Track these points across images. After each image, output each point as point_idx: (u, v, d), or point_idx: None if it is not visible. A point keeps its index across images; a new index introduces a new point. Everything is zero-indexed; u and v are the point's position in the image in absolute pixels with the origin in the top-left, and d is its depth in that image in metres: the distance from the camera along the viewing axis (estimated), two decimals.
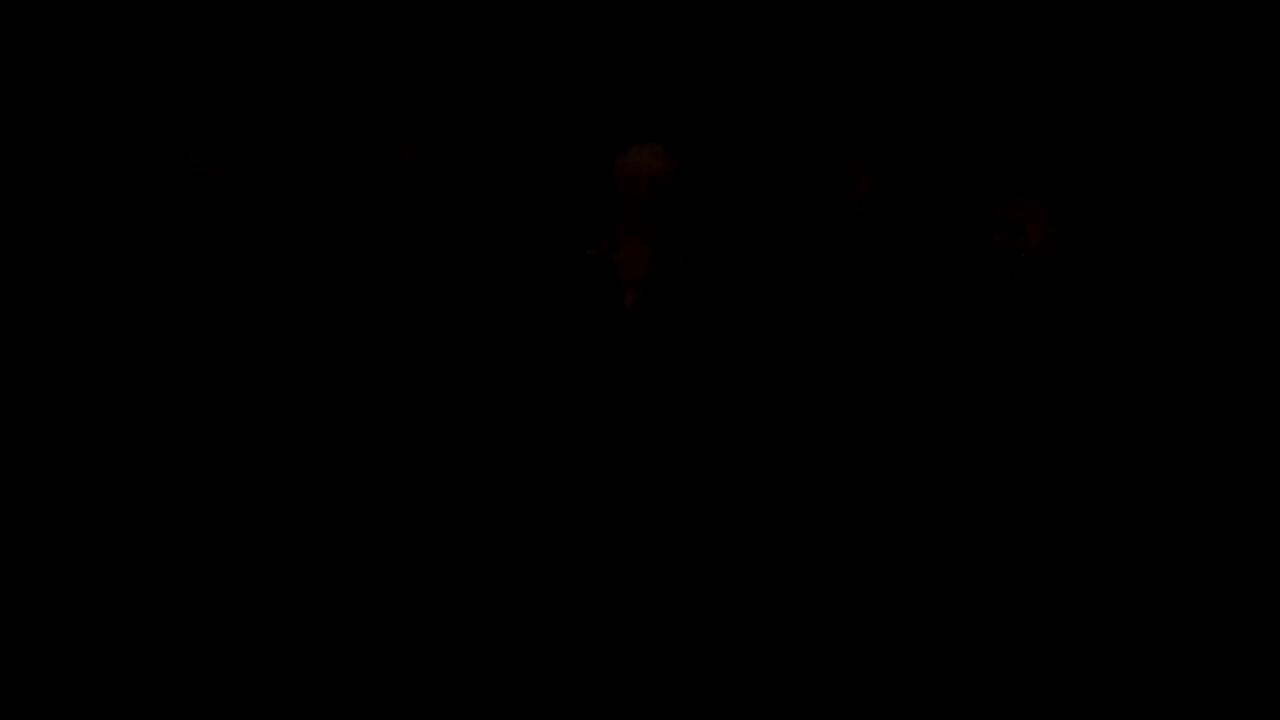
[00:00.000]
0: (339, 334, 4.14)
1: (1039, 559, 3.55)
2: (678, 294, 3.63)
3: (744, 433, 3.71)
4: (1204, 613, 3.79)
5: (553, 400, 3.63)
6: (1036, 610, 3.56)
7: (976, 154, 4.43)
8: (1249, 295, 4.19)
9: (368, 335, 4.13)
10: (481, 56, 4.77)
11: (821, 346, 3.97)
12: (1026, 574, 3.56)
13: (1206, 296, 4.21)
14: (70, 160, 4.67)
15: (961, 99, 4.50)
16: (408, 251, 4.20)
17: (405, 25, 4.76)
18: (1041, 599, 3.55)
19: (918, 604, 3.72)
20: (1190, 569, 3.81)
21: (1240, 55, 4.29)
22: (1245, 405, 4.09)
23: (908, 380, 3.86)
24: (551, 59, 4.75)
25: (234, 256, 4.17)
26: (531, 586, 3.65)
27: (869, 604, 3.80)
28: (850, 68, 4.62)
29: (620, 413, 3.58)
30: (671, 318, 3.61)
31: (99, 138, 4.70)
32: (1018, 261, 3.65)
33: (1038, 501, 3.56)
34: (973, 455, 3.65)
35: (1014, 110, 4.45)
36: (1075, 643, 3.55)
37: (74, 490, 4.06)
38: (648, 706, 3.57)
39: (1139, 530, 3.59)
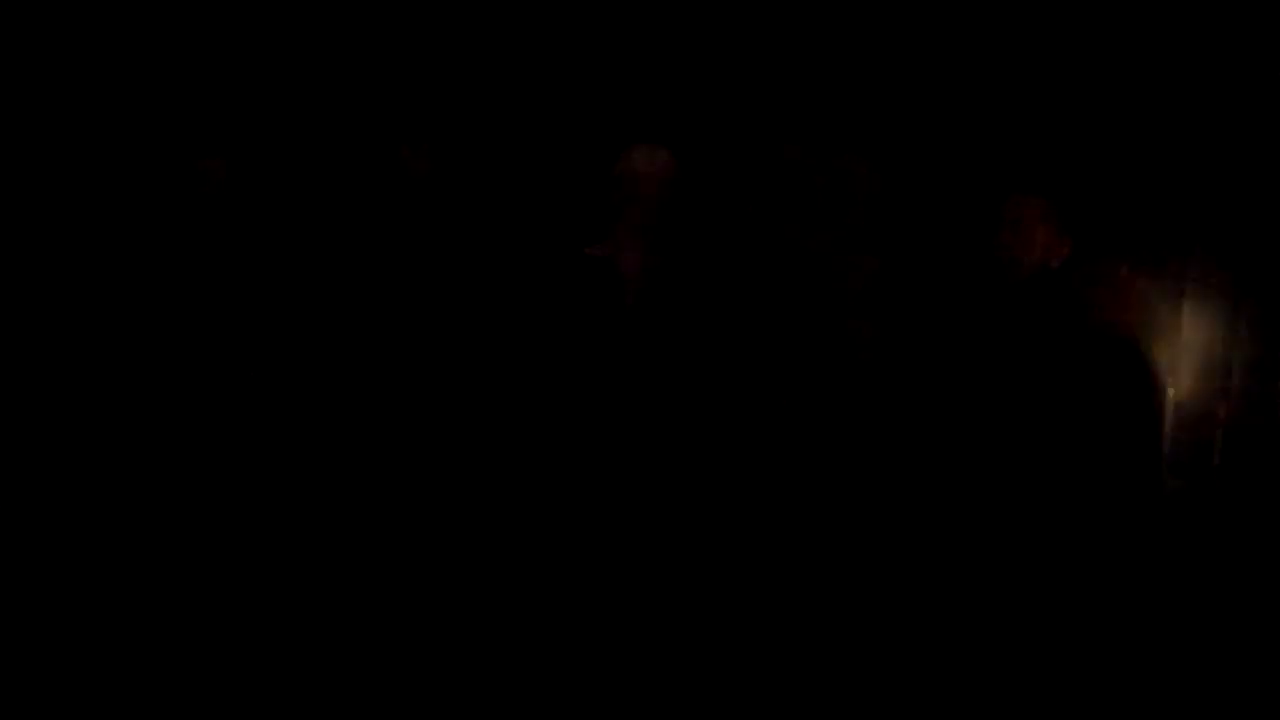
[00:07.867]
0: (341, 333, 4.14)
1: (1044, 560, 3.56)
2: (678, 293, 3.64)
3: (744, 432, 3.72)
4: (1208, 622, 3.79)
5: (553, 399, 3.63)
6: (1038, 612, 3.57)
7: (983, 154, 4.42)
8: (1256, 296, 4.19)
9: (369, 334, 4.14)
10: (482, 57, 4.77)
11: (822, 347, 3.98)
12: (1031, 577, 3.56)
13: (1213, 298, 4.20)
14: (74, 160, 4.68)
15: (966, 99, 4.50)
16: (408, 250, 4.21)
17: (406, 26, 4.76)
18: (1048, 602, 3.56)
19: (917, 603, 3.73)
20: (1196, 573, 3.82)
21: (1248, 56, 4.29)
22: (1251, 404, 4.09)
23: (910, 380, 3.87)
24: (552, 60, 4.75)
25: (234, 257, 4.18)
26: (532, 584, 3.66)
27: (868, 604, 3.80)
28: (853, 67, 4.63)
29: (620, 411, 3.58)
30: (671, 317, 3.62)
31: (103, 140, 4.71)
32: (1024, 262, 3.64)
33: (1040, 503, 3.56)
34: (979, 457, 3.65)
35: (1021, 111, 4.45)
36: (1066, 648, 3.55)
37: (74, 490, 4.06)
38: (648, 706, 3.57)
39: (1145, 531, 3.60)
